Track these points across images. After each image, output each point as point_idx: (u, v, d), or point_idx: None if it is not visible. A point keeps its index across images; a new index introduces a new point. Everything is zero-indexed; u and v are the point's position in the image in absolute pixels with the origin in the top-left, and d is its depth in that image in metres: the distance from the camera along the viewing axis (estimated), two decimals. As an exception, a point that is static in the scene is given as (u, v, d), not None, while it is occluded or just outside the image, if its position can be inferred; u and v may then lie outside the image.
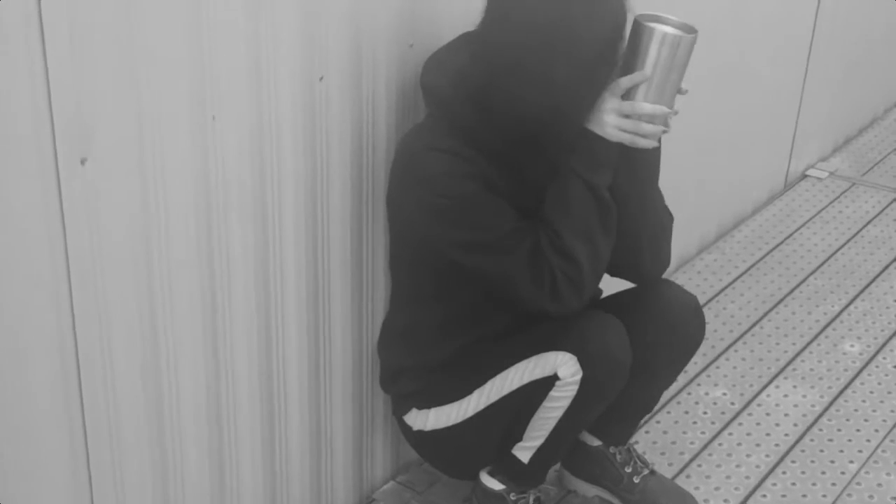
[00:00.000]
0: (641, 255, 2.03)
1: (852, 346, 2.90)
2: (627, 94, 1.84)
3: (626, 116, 1.84)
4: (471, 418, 2.05)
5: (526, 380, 1.98)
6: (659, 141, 1.92)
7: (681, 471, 2.44)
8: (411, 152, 1.92)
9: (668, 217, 2.07)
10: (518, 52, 1.76)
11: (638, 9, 1.85)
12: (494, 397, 2.02)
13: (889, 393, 2.71)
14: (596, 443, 2.28)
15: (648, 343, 2.07)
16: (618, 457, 2.28)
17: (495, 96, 1.80)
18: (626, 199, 1.94)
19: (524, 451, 2.08)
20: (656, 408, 2.57)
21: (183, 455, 1.88)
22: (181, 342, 1.80)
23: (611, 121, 1.84)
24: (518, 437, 2.06)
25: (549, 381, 1.96)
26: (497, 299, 1.97)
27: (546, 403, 1.98)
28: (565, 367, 1.94)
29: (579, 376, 1.94)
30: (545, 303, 1.88)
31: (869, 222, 3.55)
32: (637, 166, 1.95)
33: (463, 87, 1.85)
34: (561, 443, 2.08)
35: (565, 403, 1.97)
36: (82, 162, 1.55)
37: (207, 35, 1.67)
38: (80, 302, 1.61)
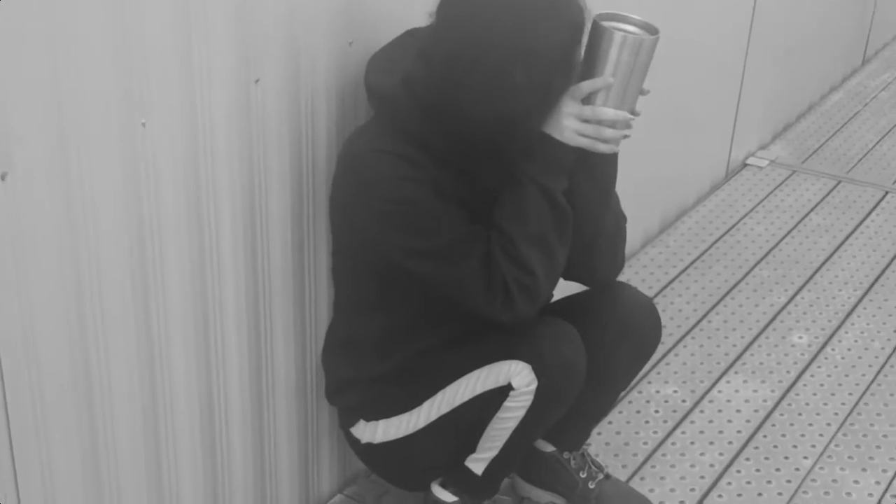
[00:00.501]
0: (598, 258, 1.97)
1: (800, 337, 2.88)
2: (588, 98, 1.77)
3: (587, 121, 1.77)
4: (422, 430, 1.98)
5: (479, 390, 1.91)
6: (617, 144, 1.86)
7: (635, 473, 2.39)
8: (356, 155, 1.83)
9: (623, 218, 2.02)
10: (472, 53, 1.68)
11: (597, 6, 1.78)
12: (446, 408, 1.95)
13: (839, 385, 2.69)
14: (549, 448, 2.22)
15: (605, 347, 2.01)
16: (572, 462, 2.22)
17: (445, 99, 1.72)
18: (586, 201, 1.88)
19: (477, 463, 2.01)
20: (607, 408, 2.52)
21: (119, 474, 1.78)
22: (114, 358, 1.71)
23: (570, 125, 1.77)
24: (471, 449, 2.00)
25: (503, 391, 1.89)
26: (445, 307, 1.89)
27: (500, 414, 1.92)
28: (520, 376, 1.88)
29: (534, 385, 1.87)
30: (498, 311, 1.81)
31: (811, 210, 3.54)
32: (596, 170, 1.88)
33: (410, 88, 1.77)
34: (516, 453, 2.02)
35: (520, 414, 1.91)
36: (2, 177, 1.45)
37: (135, 38, 1.58)
38: (4, 325, 1.51)
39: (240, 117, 1.80)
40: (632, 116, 1.80)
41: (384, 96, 1.82)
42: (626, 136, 1.81)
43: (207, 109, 1.73)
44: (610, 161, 1.89)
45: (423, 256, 1.80)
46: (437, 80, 1.72)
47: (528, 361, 1.87)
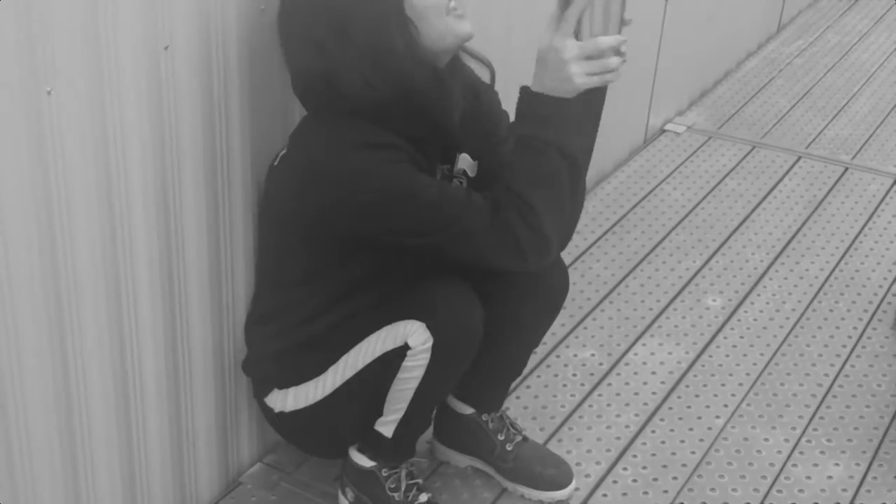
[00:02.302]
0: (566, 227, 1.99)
1: (714, 300, 2.94)
2: (577, 35, 1.74)
3: (589, 58, 1.74)
4: (329, 396, 1.99)
5: (378, 352, 1.93)
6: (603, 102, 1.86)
7: (552, 435, 2.43)
8: (319, 159, 1.81)
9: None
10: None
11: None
12: (350, 373, 1.96)
13: (751, 346, 2.76)
14: (468, 411, 2.25)
15: (513, 303, 2.04)
16: (490, 424, 2.25)
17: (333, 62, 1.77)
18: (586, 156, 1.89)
19: (386, 426, 2.03)
20: (526, 372, 2.55)
21: (31, 452, 1.76)
22: (24, 332, 1.69)
23: (577, 69, 1.73)
24: (379, 412, 2.02)
25: (401, 352, 1.92)
26: (380, 271, 1.92)
27: (400, 375, 1.94)
28: (415, 335, 1.90)
29: (430, 343, 1.90)
30: (509, 266, 1.83)
31: (727, 175, 3.60)
32: (584, 131, 1.86)
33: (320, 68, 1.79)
34: (422, 413, 2.05)
35: (419, 373, 1.93)
36: None
37: (37, 3, 1.54)
38: None
39: (149, 85, 1.77)
40: (624, 38, 1.76)
41: (340, 90, 1.80)
42: (624, 61, 1.78)
43: (115, 77, 1.70)
44: (599, 102, 1.87)
45: (427, 225, 1.80)
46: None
47: (422, 320, 1.89)
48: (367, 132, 1.79)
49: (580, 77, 1.74)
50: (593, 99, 1.83)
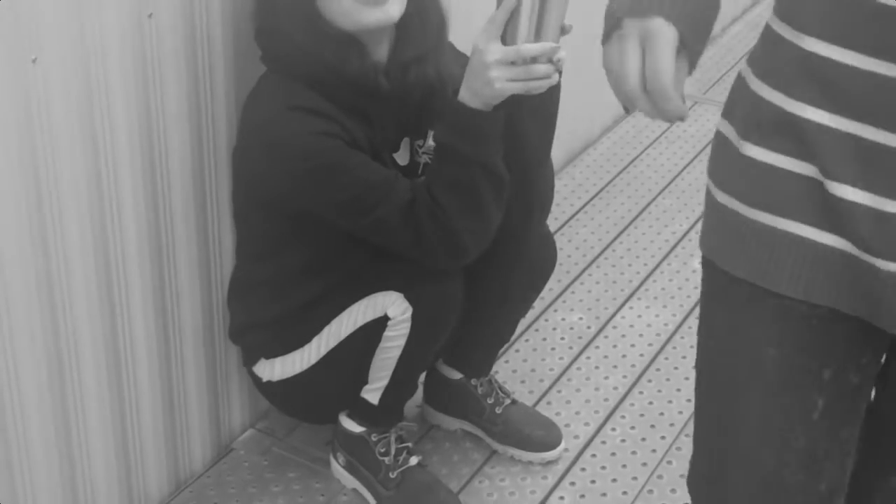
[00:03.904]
0: (530, 218, 2.00)
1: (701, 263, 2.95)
2: (506, 41, 1.71)
3: (513, 63, 1.72)
4: (314, 366, 2.01)
5: (359, 323, 1.96)
6: (559, 88, 1.85)
7: (541, 398, 2.45)
8: (262, 119, 1.84)
9: (553, 175, 2.05)
10: None
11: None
12: (333, 343, 1.98)
13: (737, 308, 2.77)
14: (457, 376, 2.27)
15: (500, 273, 2.06)
16: (479, 388, 2.27)
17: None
18: (532, 144, 1.90)
19: (372, 393, 2.05)
20: (514, 336, 2.57)
21: (25, 421, 1.78)
22: (14, 304, 1.70)
23: (497, 74, 1.71)
24: (364, 380, 2.04)
25: (381, 322, 1.94)
26: (344, 249, 1.94)
27: (382, 344, 1.96)
28: (394, 306, 1.92)
29: (409, 313, 1.92)
30: (421, 258, 1.88)
31: (712, 140, 3.61)
32: (539, 109, 1.88)
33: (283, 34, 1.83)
34: (407, 380, 2.07)
35: (401, 342, 1.95)
36: None
37: (20, -29, 1.55)
38: None
39: (134, 53, 1.78)
40: (557, 45, 1.73)
41: (276, 48, 1.85)
42: (557, 71, 1.75)
43: (99, 45, 1.71)
44: (552, 96, 1.87)
45: (343, 208, 1.83)
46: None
47: (400, 290, 1.92)
48: (303, 97, 1.80)
49: (500, 82, 1.72)
50: (546, 97, 1.82)
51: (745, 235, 1.19)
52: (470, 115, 1.77)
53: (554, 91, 1.84)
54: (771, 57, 1.18)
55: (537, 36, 1.71)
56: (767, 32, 1.20)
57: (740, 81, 1.24)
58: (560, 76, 1.77)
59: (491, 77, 1.72)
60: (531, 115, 1.89)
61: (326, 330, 1.98)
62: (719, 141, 1.27)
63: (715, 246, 1.26)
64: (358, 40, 1.82)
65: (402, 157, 1.96)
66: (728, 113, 1.26)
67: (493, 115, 1.78)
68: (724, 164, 1.23)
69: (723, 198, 1.22)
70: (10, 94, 1.59)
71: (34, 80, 1.62)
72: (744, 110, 1.21)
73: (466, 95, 1.77)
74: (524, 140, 1.90)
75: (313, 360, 2.01)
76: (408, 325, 1.93)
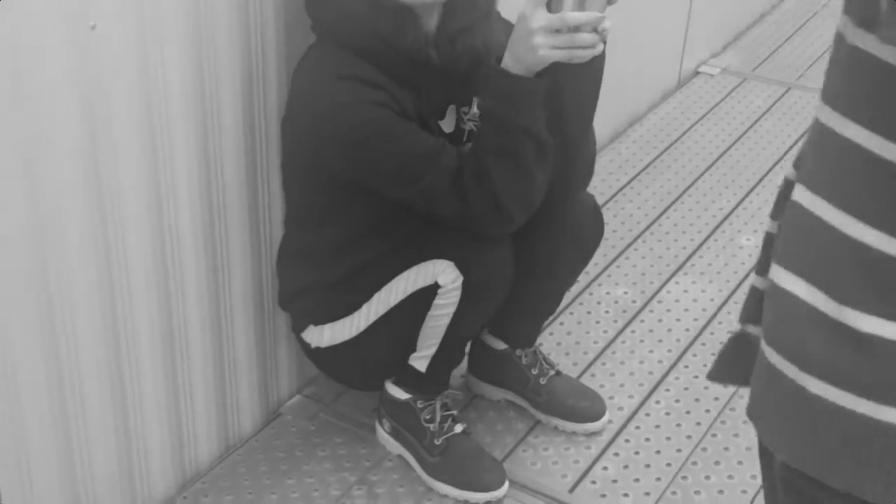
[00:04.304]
0: (573, 180, 2.00)
1: (748, 239, 2.95)
2: (552, 8, 1.72)
3: (557, 31, 1.72)
4: (363, 332, 2.04)
5: (409, 290, 1.97)
6: (603, 58, 1.85)
7: (585, 370, 2.47)
8: (312, 86, 1.86)
9: (595, 145, 2.06)
10: None
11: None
12: (382, 310, 2.01)
13: (784, 284, 2.76)
14: (501, 346, 2.29)
15: (548, 244, 2.07)
16: (524, 359, 2.29)
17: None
18: (569, 125, 1.91)
19: (420, 361, 2.07)
20: (559, 309, 2.58)
21: (82, 388, 1.82)
22: (74, 272, 1.74)
23: (541, 41, 1.72)
24: (412, 348, 2.06)
25: (432, 290, 1.95)
26: (394, 217, 1.95)
27: (432, 312, 1.98)
28: (445, 274, 1.93)
29: (459, 282, 1.93)
30: (470, 227, 1.89)
31: (761, 117, 3.59)
32: (580, 78, 1.88)
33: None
34: (455, 349, 2.09)
35: (450, 311, 1.97)
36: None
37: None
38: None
39: (188, 22, 1.80)
40: (603, 15, 1.73)
41: (328, 18, 1.85)
42: (603, 40, 1.75)
43: (156, 13, 1.74)
44: (595, 65, 1.88)
45: (391, 176, 1.85)
46: None
47: (452, 259, 1.93)
48: (352, 66, 1.82)
49: (544, 49, 1.72)
50: (590, 67, 1.81)
51: (870, 442, 0.90)
52: (513, 81, 1.79)
53: (598, 60, 1.84)
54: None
55: (582, 5, 1.72)
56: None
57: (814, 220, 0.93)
58: (605, 46, 1.77)
59: (535, 44, 1.73)
60: (574, 83, 1.89)
61: (376, 297, 2.01)
62: (790, 302, 0.94)
63: (808, 453, 0.94)
64: (413, 12, 1.83)
65: (447, 125, 1.97)
66: (804, 264, 0.94)
67: (535, 82, 1.79)
68: (817, 341, 0.92)
69: (821, 388, 0.91)
70: (69, 60, 1.62)
71: (93, 46, 1.65)
72: (837, 265, 0.91)
73: (510, 62, 1.79)
74: (566, 109, 1.91)
75: (362, 327, 2.03)
76: (458, 293, 1.95)
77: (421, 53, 1.85)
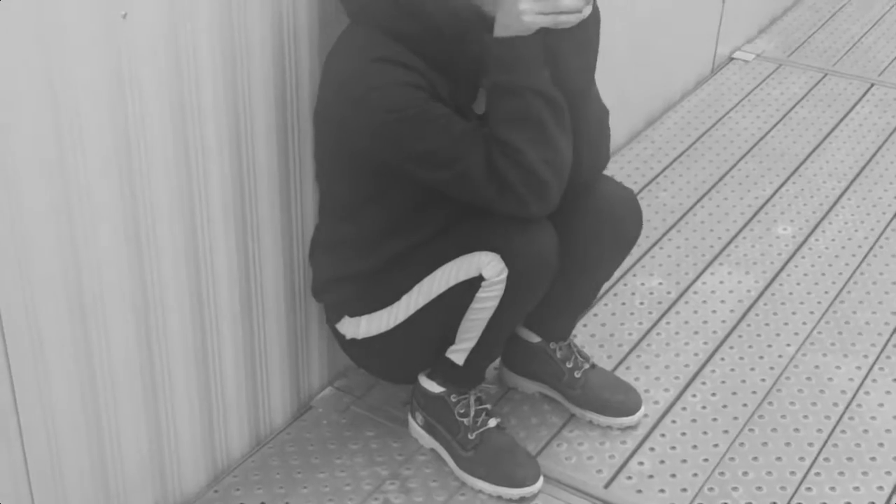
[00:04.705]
0: (579, 154, 1.96)
1: (785, 229, 2.90)
2: None
3: None
4: (401, 324, 2.00)
5: (452, 282, 1.94)
6: (596, 17, 1.83)
7: (620, 362, 2.43)
8: (346, 68, 1.83)
9: (605, 112, 2.01)
10: None
11: None
12: (423, 301, 1.97)
13: (823, 275, 2.72)
14: (536, 339, 2.25)
15: (585, 237, 2.03)
16: (558, 353, 2.25)
17: None
18: (574, 75, 1.87)
19: (458, 354, 2.04)
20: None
21: (113, 380, 1.80)
22: (105, 261, 1.72)
23: (526, 7, 1.73)
24: (451, 340, 2.03)
25: (475, 282, 1.92)
26: (430, 206, 1.92)
27: (474, 305, 1.94)
28: (490, 266, 1.90)
29: (504, 275, 1.89)
30: (513, 210, 1.85)
31: (797, 103, 3.53)
32: (576, 39, 1.86)
33: None
34: (494, 343, 2.05)
35: (493, 304, 1.93)
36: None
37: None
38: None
39: (220, 11, 1.78)
40: None
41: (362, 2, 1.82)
42: (586, 4, 1.75)
43: (188, 1, 1.71)
44: (590, 45, 1.87)
45: (426, 160, 1.82)
46: None
47: (497, 251, 1.89)
48: (386, 49, 1.80)
49: (529, 15, 1.74)
50: (583, 27, 1.81)
51: None
52: (505, 46, 1.77)
53: (591, 18, 1.83)
54: None
55: None
56: None
57: None
58: (593, 6, 1.76)
59: (521, 9, 1.74)
60: (567, 41, 1.87)
61: (417, 288, 1.97)
62: None
63: None
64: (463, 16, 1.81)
65: (479, 107, 1.94)
66: None
67: (526, 40, 1.77)
68: None
69: None
70: (100, 49, 1.60)
71: (124, 35, 1.62)
72: None
73: (500, 30, 1.78)
74: (562, 67, 1.87)
75: (401, 319, 2.00)
76: (502, 286, 1.91)
77: (471, 23, 1.83)
